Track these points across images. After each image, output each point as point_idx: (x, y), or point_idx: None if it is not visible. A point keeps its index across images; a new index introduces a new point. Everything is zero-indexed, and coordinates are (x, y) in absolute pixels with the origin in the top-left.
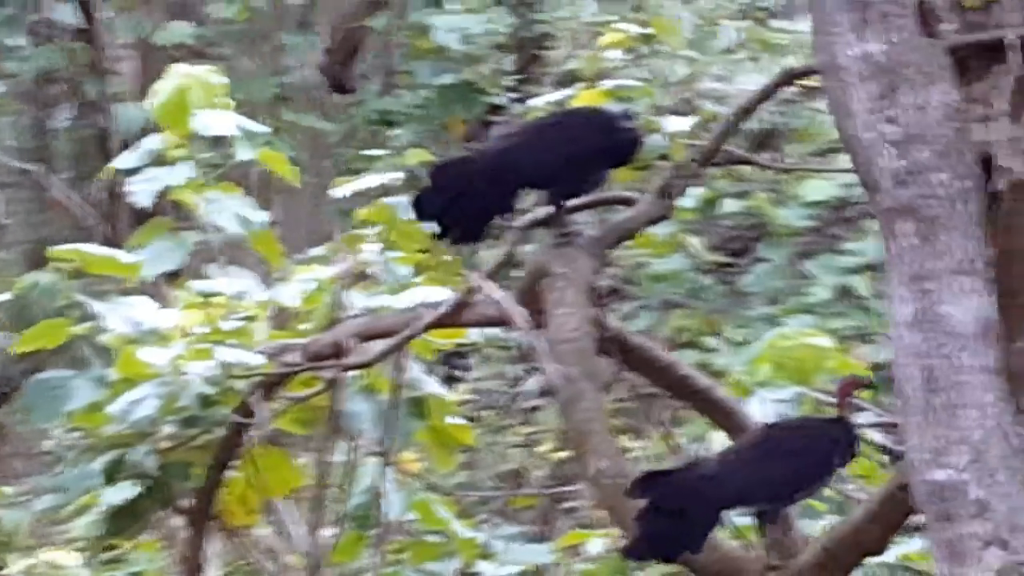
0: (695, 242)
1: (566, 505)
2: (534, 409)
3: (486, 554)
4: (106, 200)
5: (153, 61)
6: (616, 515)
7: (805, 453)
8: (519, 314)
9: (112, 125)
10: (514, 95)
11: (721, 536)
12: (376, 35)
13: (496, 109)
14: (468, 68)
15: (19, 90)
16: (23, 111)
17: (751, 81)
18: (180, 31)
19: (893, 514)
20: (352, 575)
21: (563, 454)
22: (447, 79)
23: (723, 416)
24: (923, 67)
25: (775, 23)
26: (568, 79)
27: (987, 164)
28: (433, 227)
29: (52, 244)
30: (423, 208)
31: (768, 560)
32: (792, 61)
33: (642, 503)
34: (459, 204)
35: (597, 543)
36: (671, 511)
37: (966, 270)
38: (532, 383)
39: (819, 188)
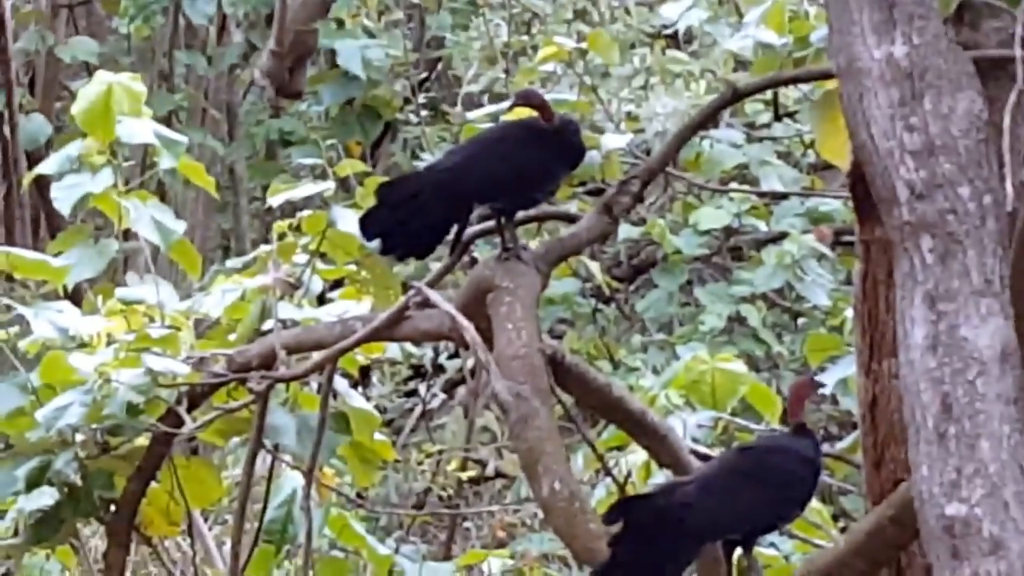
0: (593, 266)
1: (467, 524)
2: (438, 427)
3: (395, 572)
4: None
5: (51, 75)
6: (569, 537)
7: (785, 477)
8: (469, 328)
9: (17, 135)
10: (422, 114)
11: None
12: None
13: (389, 130)
14: (369, 91)
15: None
16: None
17: (662, 104)
18: (84, 47)
19: (881, 548)
20: None
21: (466, 473)
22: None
23: (655, 441)
24: (948, 73)
25: (677, 52)
26: (480, 96)
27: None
28: (376, 244)
29: None
30: (370, 226)
31: None
32: (701, 88)
33: (615, 527)
34: (408, 222)
35: (496, 563)
36: (649, 539)
37: (987, 291)
38: (437, 400)
39: (713, 216)
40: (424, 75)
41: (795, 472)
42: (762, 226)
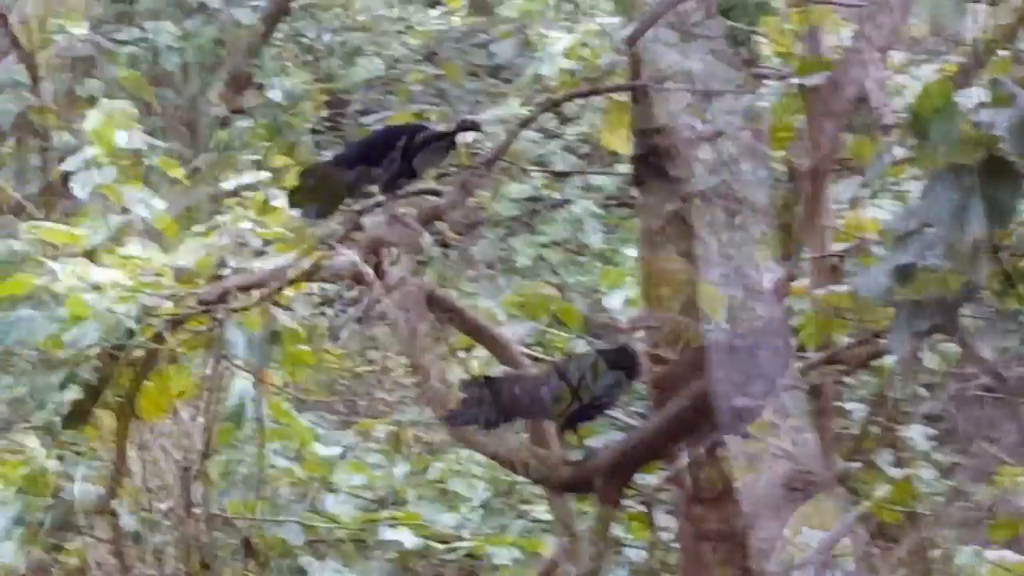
0: (444, 226)
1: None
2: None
3: (316, 437)
4: (39, 193)
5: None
6: (441, 408)
7: (582, 376)
8: (367, 270)
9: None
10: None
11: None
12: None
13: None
14: (288, 110)
15: None
16: None
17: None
18: (92, 87)
19: (681, 428)
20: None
21: (362, 368)
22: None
23: (498, 347)
24: (731, 79)
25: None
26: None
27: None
28: (297, 212)
29: None
30: (295, 200)
31: (565, 456)
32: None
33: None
34: (321, 192)
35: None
36: (476, 400)
37: (761, 243)
38: (342, 319)
39: (521, 189)
40: (327, 99)
41: (591, 374)
42: (555, 195)
